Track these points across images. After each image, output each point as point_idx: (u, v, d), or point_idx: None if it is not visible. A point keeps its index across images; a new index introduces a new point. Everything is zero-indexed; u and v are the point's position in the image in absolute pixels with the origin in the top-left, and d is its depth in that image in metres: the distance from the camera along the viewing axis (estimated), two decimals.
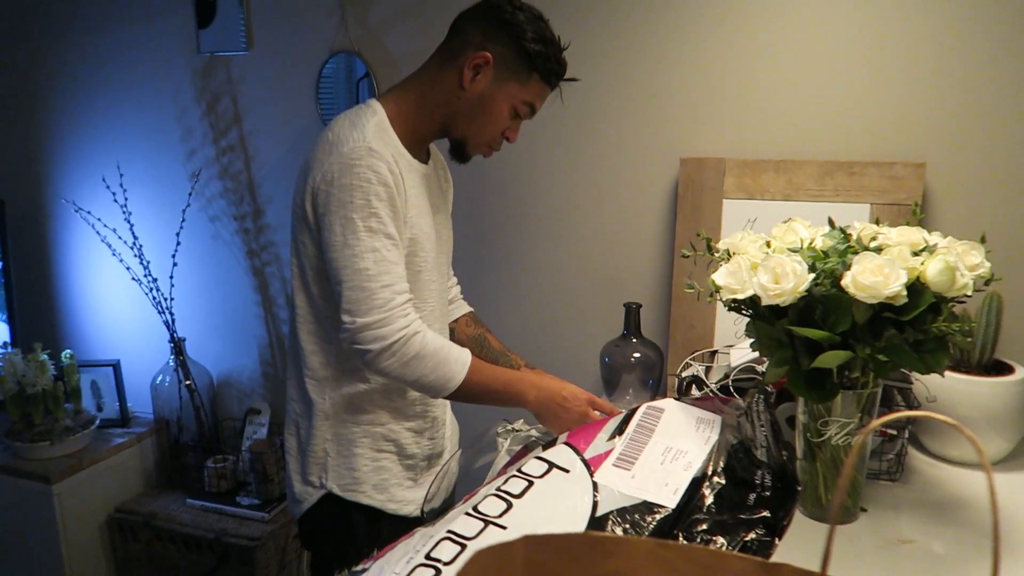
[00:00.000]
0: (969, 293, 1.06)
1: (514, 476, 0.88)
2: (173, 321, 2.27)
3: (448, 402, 1.51)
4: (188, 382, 2.26)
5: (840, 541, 1.21)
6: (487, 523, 0.80)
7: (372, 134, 1.20)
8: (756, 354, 1.53)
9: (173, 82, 2.22)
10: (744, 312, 1.22)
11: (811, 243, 1.18)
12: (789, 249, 1.13)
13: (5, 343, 2.32)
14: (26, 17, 2.35)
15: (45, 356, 2.21)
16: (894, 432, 1.42)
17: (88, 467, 2.17)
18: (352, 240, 1.16)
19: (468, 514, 0.82)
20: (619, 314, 1.71)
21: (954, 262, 1.05)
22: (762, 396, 0.91)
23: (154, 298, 2.24)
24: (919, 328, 1.08)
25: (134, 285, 2.27)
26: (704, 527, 0.80)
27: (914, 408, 1.47)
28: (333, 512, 1.33)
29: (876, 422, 0.44)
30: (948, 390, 1.45)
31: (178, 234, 2.21)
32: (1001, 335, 1.51)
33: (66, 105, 2.38)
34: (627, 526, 0.78)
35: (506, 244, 1.98)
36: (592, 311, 1.91)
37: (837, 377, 1.16)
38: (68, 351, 2.30)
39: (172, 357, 2.28)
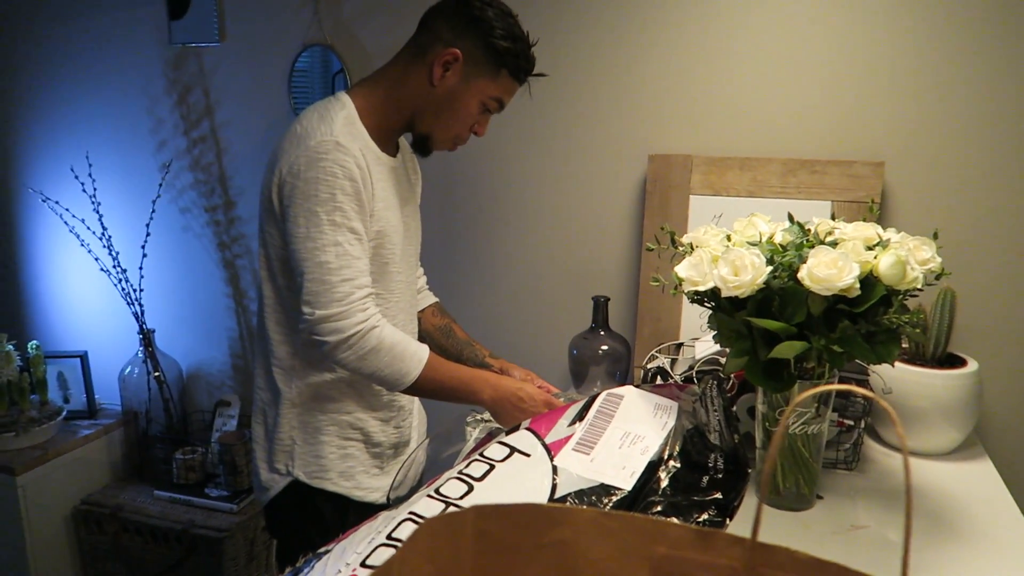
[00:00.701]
0: (919, 286, 1.10)
1: (476, 460, 0.90)
2: (142, 312, 2.25)
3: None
4: (157, 374, 2.25)
5: (796, 527, 1.24)
6: (448, 504, 0.82)
7: (340, 128, 1.21)
8: (719, 347, 1.57)
9: (144, 73, 2.21)
10: (706, 304, 1.25)
11: (770, 237, 1.21)
12: (749, 243, 1.16)
13: None
14: None
15: (11, 347, 2.18)
16: (851, 423, 1.47)
17: (54, 459, 2.15)
18: (315, 233, 1.18)
19: (430, 496, 0.84)
20: (587, 307, 1.74)
21: (905, 256, 1.08)
22: (715, 382, 0.94)
23: (123, 289, 2.23)
24: (871, 320, 1.11)
25: (103, 276, 2.25)
26: (659, 508, 0.82)
27: (870, 401, 1.52)
28: (299, 499, 1.33)
29: (803, 395, 0.46)
30: (903, 382, 1.50)
31: (148, 225, 2.19)
32: (955, 329, 1.57)
33: (33, 94, 2.35)
34: (584, 507, 0.81)
35: (476, 237, 1.99)
36: (561, 304, 1.93)
37: (794, 368, 1.20)
38: (35, 342, 2.28)
39: (141, 348, 2.27)
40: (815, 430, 1.26)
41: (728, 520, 0.80)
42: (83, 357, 2.35)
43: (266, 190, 1.25)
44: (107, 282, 2.26)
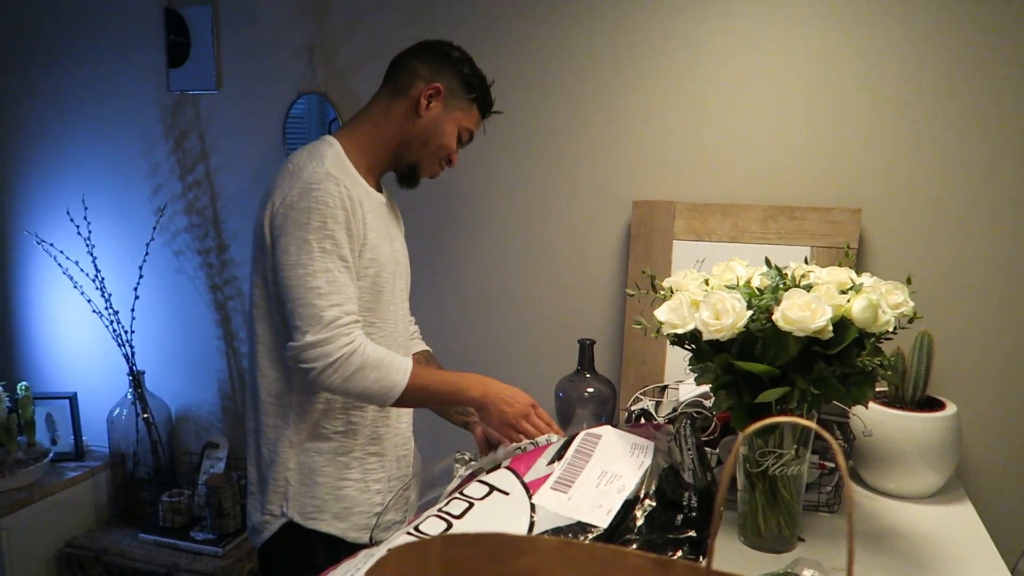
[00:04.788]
0: (891, 329, 1.13)
1: (456, 498, 0.92)
2: (133, 354, 2.26)
3: (411, 432, 1.54)
4: (146, 415, 2.25)
5: (778, 569, 1.25)
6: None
7: (331, 162, 1.28)
8: (703, 388, 1.59)
9: (142, 118, 2.26)
10: (686, 347, 1.28)
11: (748, 281, 1.24)
12: (726, 286, 1.20)
13: None
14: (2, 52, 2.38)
15: (0, 388, 2.19)
16: (832, 465, 1.48)
17: (39, 500, 2.13)
18: (305, 259, 1.21)
19: (409, 533, 0.85)
20: (573, 350, 1.76)
21: (877, 300, 1.11)
22: (688, 422, 0.96)
23: (114, 331, 2.25)
24: (846, 362, 1.14)
25: (94, 318, 2.27)
26: (634, 546, 0.84)
27: (851, 442, 1.53)
28: (293, 540, 1.34)
29: (749, 428, 0.49)
30: (883, 425, 1.52)
31: (140, 267, 2.22)
32: (933, 372, 1.59)
33: (31, 138, 2.40)
34: (548, 537, 0.82)
35: (463, 281, 2.03)
36: (547, 347, 1.95)
37: (774, 410, 1.22)
38: (24, 383, 2.28)
39: (131, 390, 2.27)
40: (795, 471, 1.28)
41: (701, 557, 0.81)
42: (72, 398, 2.36)
43: (259, 226, 1.29)
44: (99, 323, 2.27)
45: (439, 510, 0.89)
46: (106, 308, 2.24)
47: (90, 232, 2.25)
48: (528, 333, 1.97)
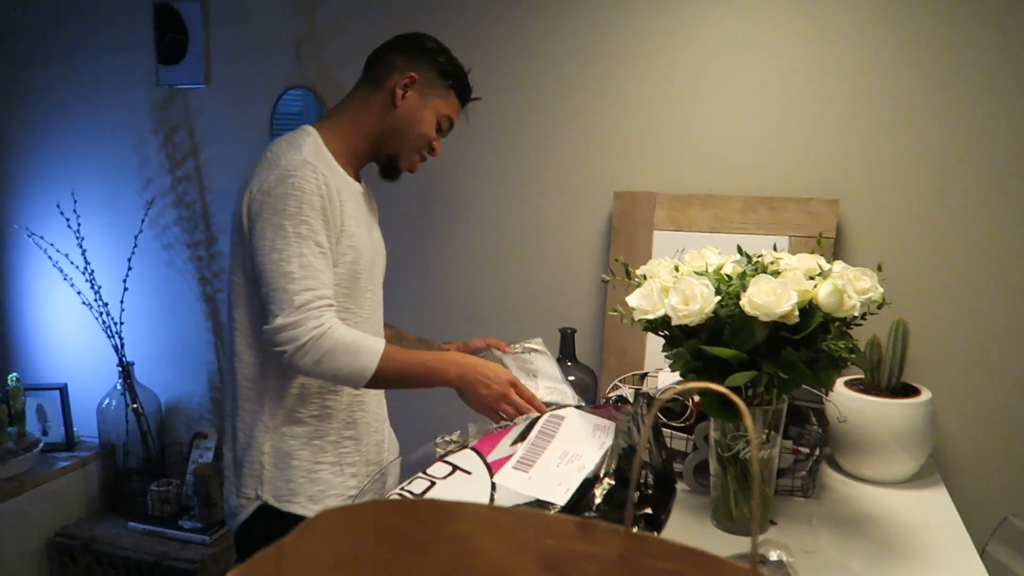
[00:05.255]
0: (857, 314, 1.14)
1: (419, 477, 0.93)
2: (122, 345, 2.28)
3: (386, 417, 1.55)
4: (135, 406, 2.27)
5: (747, 551, 1.26)
6: None
7: (308, 151, 1.29)
8: (680, 376, 1.60)
9: (132, 113, 2.28)
10: (660, 333, 1.30)
11: (718, 268, 1.26)
12: (695, 273, 1.21)
13: None
14: None
15: None
16: (807, 451, 1.50)
17: (29, 490, 2.16)
18: (280, 245, 1.23)
19: None
20: (555, 339, 1.78)
21: (842, 285, 1.13)
22: (646, 402, 0.98)
23: (104, 322, 2.26)
24: (812, 347, 1.15)
25: (84, 309, 2.29)
26: None
27: (826, 427, 1.55)
28: (268, 523, 1.35)
29: (670, 391, 0.50)
30: (859, 411, 1.53)
31: (129, 259, 2.24)
32: (909, 360, 1.61)
33: (21, 133, 2.41)
34: (478, 503, 0.84)
35: (445, 272, 2.04)
36: (530, 336, 1.97)
37: (745, 395, 1.23)
38: (14, 375, 2.30)
39: (120, 381, 2.29)
40: (765, 456, 1.29)
41: (656, 534, 0.83)
42: (63, 390, 2.38)
43: (237, 213, 1.31)
44: (89, 315, 2.29)
45: (401, 488, 0.91)
46: (96, 300, 2.26)
47: (79, 225, 2.27)
48: (511, 323, 1.98)
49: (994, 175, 1.59)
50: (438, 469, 0.95)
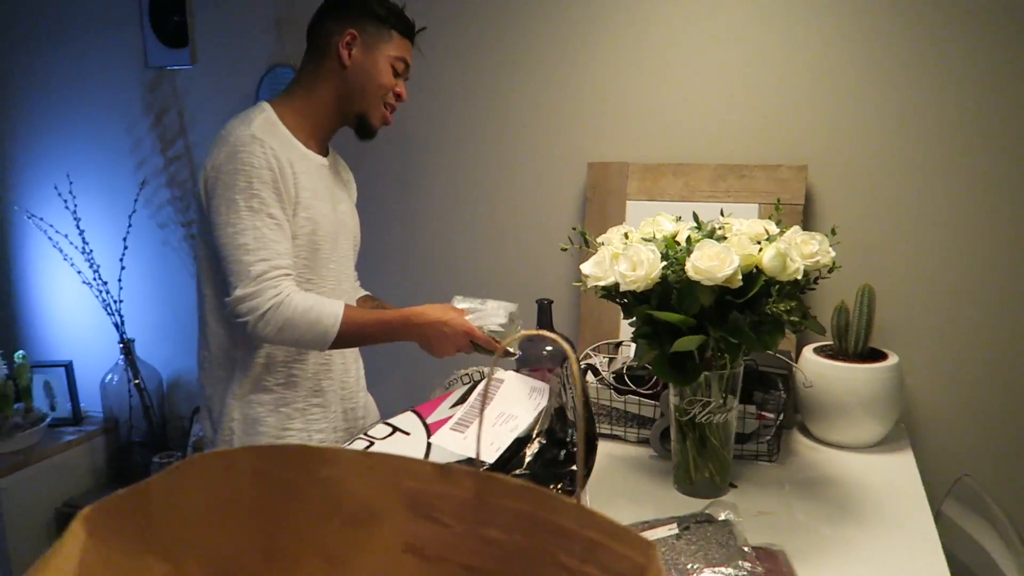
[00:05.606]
0: (799, 278, 1.15)
1: (360, 438, 0.97)
2: (122, 322, 2.35)
3: (361, 385, 1.59)
4: (137, 381, 2.34)
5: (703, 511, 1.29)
6: None
7: (258, 126, 1.33)
8: None
9: (122, 95, 2.32)
10: (618, 301, 1.32)
11: (672, 235, 1.27)
12: (643, 239, 1.23)
13: None
14: None
15: None
16: (771, 416, 1.52)
17: (36, 463, 2.24)
18: (234, 219, 1.27)
19: None
20: (532, 311, 1.80)
21: (784, 249, 1.14)
22: (567, 362, 1.01)
23: (104, 300, 2.33)
24: (757, 310, 1.17)
25: (85, 288, 2.36)
26: (521, 479, 0.88)
27: (792, 393, 1.56)
28: None
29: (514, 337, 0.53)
30: (826, 377, 1.54)
31: (124, 239, 2.30)
32: (877, 325, 1.61)
33: (19, 117, 2.47)
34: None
35: (419, 243, 2.08)
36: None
37: (699, 360, 1.25)
38: (21, 352, 2.39)
39: (121, 357, 2.36)
40: (721, 420, 1.32)
41: (580, 488, 0.86)
42: (68, 367, 2.46)
43: (197, 192, 1.35)
44: (89, 294, 2.36)
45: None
46: (95, 279, 2.32)
47: (76, 206, 2.33)
48: (488, 294, 2.00)
49: (965, 138, 1.58)
50: (379, 430, 0.99)
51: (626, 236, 1.25)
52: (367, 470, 0.55)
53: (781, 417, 1.50)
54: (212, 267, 1.36)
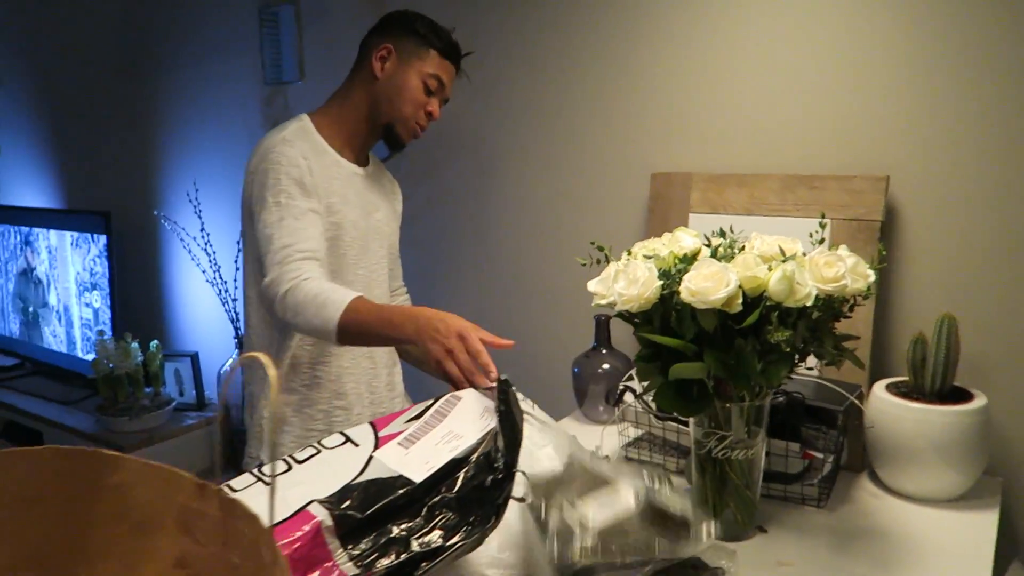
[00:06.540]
0: (809, 304, 1.02)
1: (310, 446, 0.99)
2: (237, 318, 2.56)
3: (398, 389, 1.61)
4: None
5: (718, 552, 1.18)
6: (258, 480, 0.92)
7: (290, 131, 1.41)
8: None
9: (244, 109, 2.54)
10: (626, 320, 1.24)
11: (694, 251, 1.18)
12: (644, 256, 1.15)
13: (100, 331, 2.72)
14: (136, 59, 2.78)
15: (134, 344, 2.57)
16: (819, 455, 1.36)
17: (158, 443, 2.49)
18: (266, 216, 1.34)
19: (250, 472, 0.94)
20: (590, 326, 1.76)
21: (791, 272, 1.02)
22: (506, 386, 0.96)
23: (223, 298, 2.55)
24: (761, 338, 1.05)
25: (209, 286, 2.59)
26: (442, 502, 0.86)
27: (841, 433, 1.39)
28: None
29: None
30: (893, 417, 1.36)
31: (238, 242, 2.50)
32: (970, 362, 1.40)
33: (164, 133, 2.77)
34: (374, 490, 0.87)
35: (483, 257, 2.07)
36: (565, 323, 1.95)
37: (712, 389, 1.15)
38: (155, 342, 2.66)
39: (236, 351, 2.57)
40: (741, 456, 1.20)
41: (495, 519, 0.82)
42: (194, 357, 2.71)
43: (242, 198, 1.44)
44: (212, 292, 2.59)
45: (289, 456, 0.97)
46: (216, 278, 2.55)
47: (201, 211, 2.57)
48: (546, 309, 1.97)
49: None
50: (332, 439, 1.00)
51: (628, 253, 1.17)
52: (148, 480, 0.56)
53: (838, 459, 1.34)
54: (254, 269, 1.44)
